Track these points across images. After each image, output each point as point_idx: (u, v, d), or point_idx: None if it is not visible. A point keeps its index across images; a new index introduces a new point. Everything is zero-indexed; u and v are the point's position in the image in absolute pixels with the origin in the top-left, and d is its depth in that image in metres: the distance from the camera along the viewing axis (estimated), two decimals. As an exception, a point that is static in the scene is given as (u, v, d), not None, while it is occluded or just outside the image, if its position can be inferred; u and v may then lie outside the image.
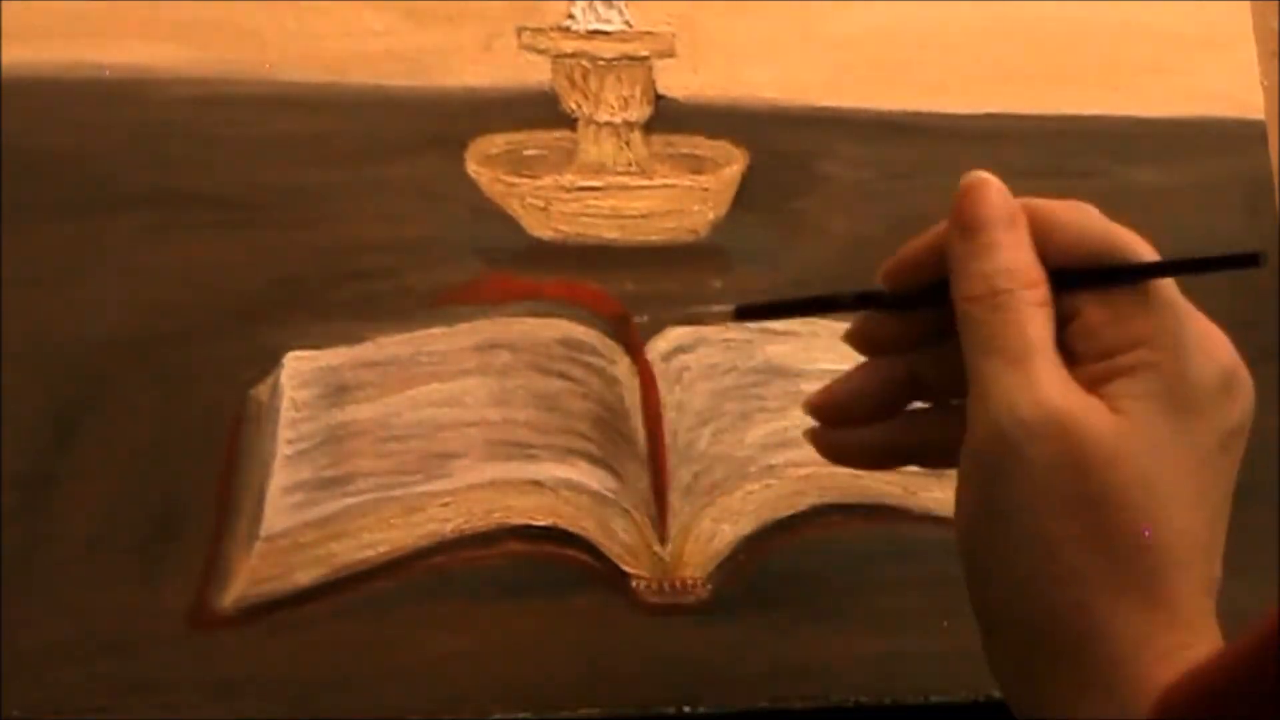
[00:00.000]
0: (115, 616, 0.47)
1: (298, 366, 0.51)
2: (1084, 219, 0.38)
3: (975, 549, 0.36)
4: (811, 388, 0.54)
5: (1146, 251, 0.37)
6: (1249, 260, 0.37)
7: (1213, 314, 0.59)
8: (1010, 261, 0.36)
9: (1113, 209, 0.60)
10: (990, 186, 0.38)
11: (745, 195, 0.57)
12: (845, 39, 0.60)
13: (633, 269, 0.55)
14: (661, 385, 0.53)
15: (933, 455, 0.42)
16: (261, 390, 0.51)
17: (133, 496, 0.48)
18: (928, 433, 0.41)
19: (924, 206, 0.58)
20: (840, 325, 0.55)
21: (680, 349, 0.54)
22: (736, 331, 0.55)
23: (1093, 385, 0.35)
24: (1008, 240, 0.37)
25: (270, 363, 0.51)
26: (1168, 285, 0.37)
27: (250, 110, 0.54)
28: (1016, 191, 0.59)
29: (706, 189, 0.57)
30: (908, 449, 0.42)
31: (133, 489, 0.48)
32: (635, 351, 0.54)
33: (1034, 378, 0.34)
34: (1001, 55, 0.61)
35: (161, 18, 0.55)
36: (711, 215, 0.56)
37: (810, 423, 0.43)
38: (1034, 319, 0.35)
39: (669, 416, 0.53)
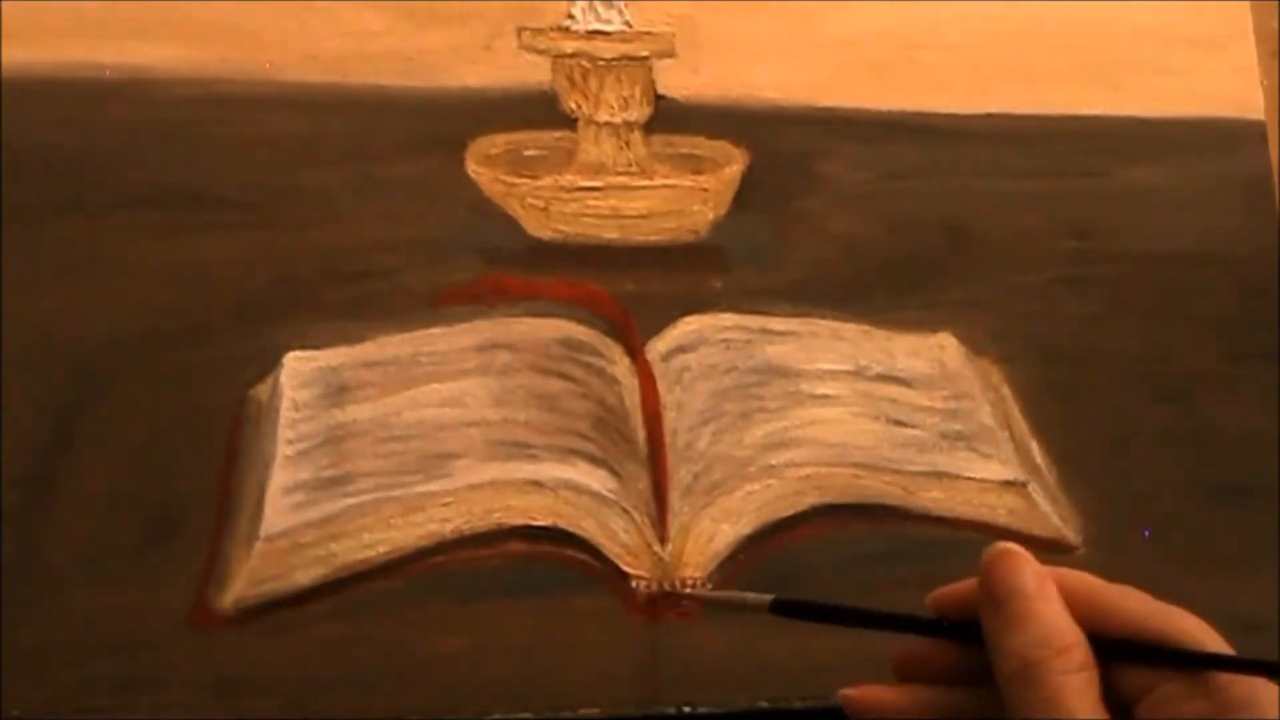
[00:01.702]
0: (115, 616, 0.47)
1: (298, 366, 0.51)
2: (1135, 602, 0.37)
3: None
4: (811, 388, 0.54)
5: (1202, 633, 0.36)
6: None
7: (1213, 315, 0.60)
8: (1041, 630, 0.36)
9: (1113, 209, 0.60)
10: (1017, 556, 0.38)
11: (745, 195, 0.57)
12: (845, 39, 0.60)
13: (633, 269, 0.55)
14: (661, 385, 0.53)
15: None
16: (261, 390, 0.51)
17: (133, 496, 0.48)
18: None
19: (924, 206, 0.58)
20: (840, 325, 0.56)
21: (680, 349, 0.54)
22: (736, 332, 0.55)
23: None
24: (1037, 608, 0.36)
25: (270, 363, 0.51)
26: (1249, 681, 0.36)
27: (250, 110, 0.54)
28: (1016, 190, 0.60)
29: (706, 189, 0.57)
30: None
31: (133, 489, 0.48)
32: (635, 351, 0.54)
33: None
34: (1001, 55, 0.61)
35: (161, 18, 0.55)
36: (711, 215, 0.57)
37: None
38: (1073, 689, 0.35)
39: (669, 416, 0.53)
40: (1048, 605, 0.36)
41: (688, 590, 0.49)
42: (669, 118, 0.57)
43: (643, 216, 0.56)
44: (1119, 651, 0.36)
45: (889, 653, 0.40)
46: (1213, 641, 0.36)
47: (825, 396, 0.54)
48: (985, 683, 0.38)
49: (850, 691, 0.40)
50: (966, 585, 0.39)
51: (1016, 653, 0.36)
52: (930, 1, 0.61)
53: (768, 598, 0.42)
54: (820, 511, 0.52)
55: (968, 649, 0.38)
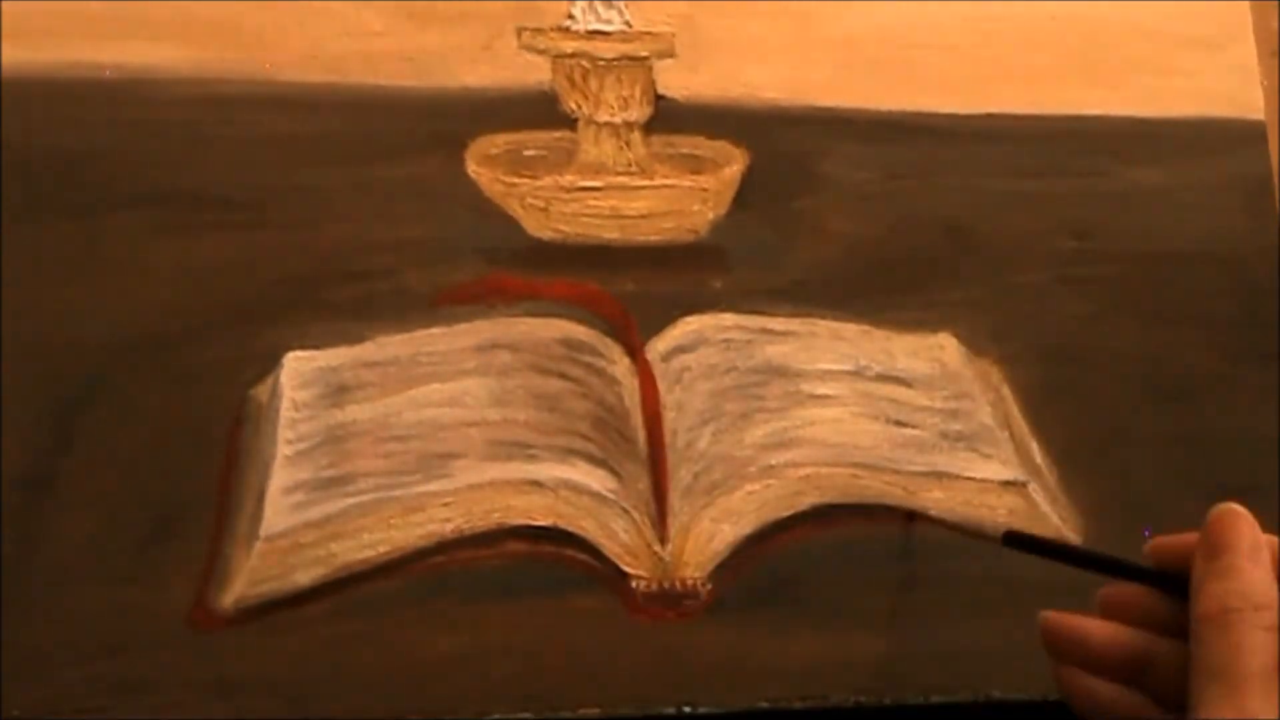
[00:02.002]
0: (115, 616, 0.47)
1: (298, 366, 0.51)
2: None
3: None
4: (811, 388, 0.54)
5: None
6: None
7: (1213, 315, 0.60)
8: (1245, 585, 0.38)
9: (1113, 209, 0.60)
10: (1240, 517, 0.40)
11: (745, 195, 0.57)
12: (845, 39, 0.60)
13: (633, 269, 0.55)
14: (661, 385, 0.53)
15: None
16: (261, 390, 0.51)
17: (133, 496, 0.48)
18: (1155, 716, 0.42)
19: (924, 206, 0.58)
20: (840, 325, 0.56)
21: (680, 349, 0.54)
22: (736, 332, 0.55)
23: None
24: (1247, 565, 0.39)
25: (270, 363, 0.51)
26: None
27: (250, 110, 0.54)
28: (1016, 190, 0.60)
29: (706, 189, 0.57)
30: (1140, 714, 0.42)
31: (133, 489, 0.48)
32: (635, 351, 0.54)
33: (1246, 704, 0.36)
34: (1001, 55, 0.61)
35: (161, 18, 0.55)
36: (711, 215, 0.57)
37: None
38: (1258, 644, 0.37)
39: (669, 416, 0.53)
40: (1256, 565, 0.39)
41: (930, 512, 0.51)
42: (669, 118, 0.57)
43: (643, 216, 0.56)
44: None
45: (1100, 590, 0.43)
46: None
47: (825, 396, 0.54)
48: (1177, 634, 0.40)
49: (1050, 613, 0.42)
50: (1183, 539, 0.42)
51: (1217, 597, 0.38)
52: (930, 1, 0.61)
53: (1002, 527, 0.47)
54: (820, 511, 0.52)
55: (1170, 599, 0.41)
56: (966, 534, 0.51)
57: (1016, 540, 0.47)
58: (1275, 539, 0.40)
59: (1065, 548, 0.49)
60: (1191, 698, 0.37)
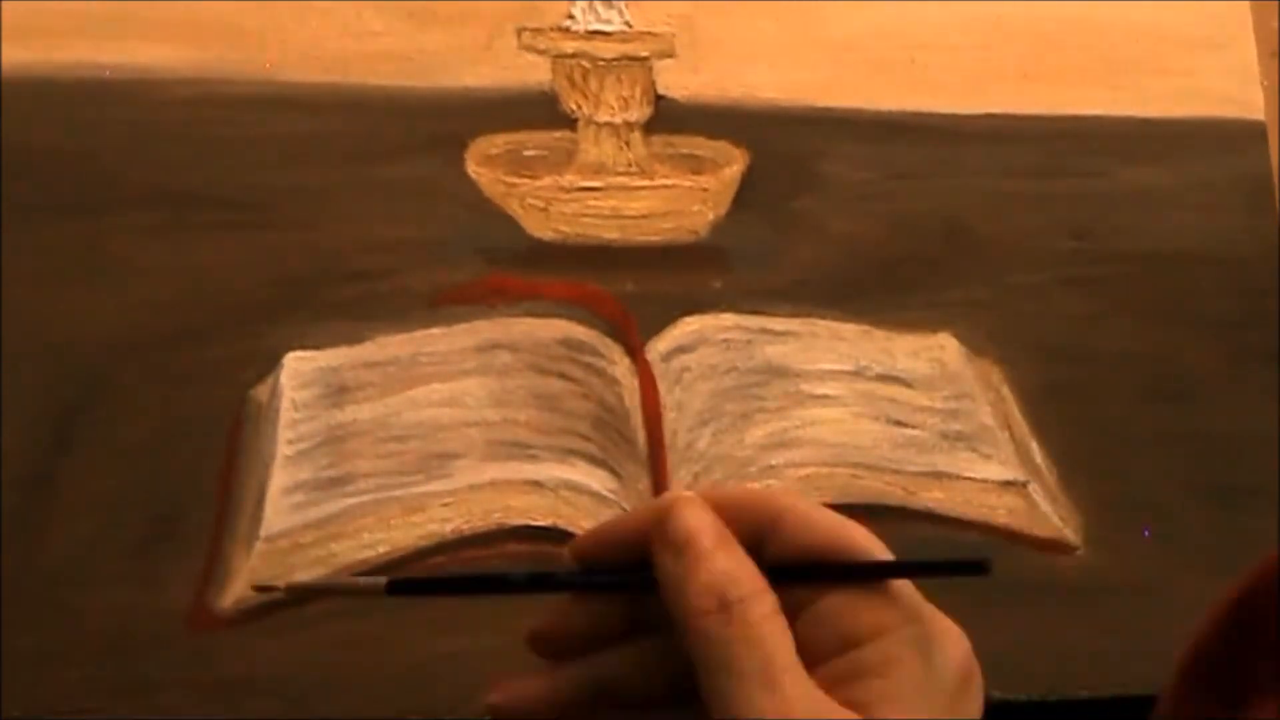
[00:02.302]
0: (115, 617, 0.47)
1: (298, 366, 0.51)
2: (804, 510, 0.36)
3: None
4: (811, 388, 0.54)
5: (873, 545, 0.36)
6: (976, 568, 0.37)
7: (1213, 314, 0.60)
8: (732, 569, 0.35)
9: (1113, 209, 0.60)
10: (690, 502, 0.36)
11: (745, 195, 0.57)
12: (845, 39, 0.60)
13: (633, 269, 0.55)
14: (661, 385, 0.53)
15: None
16: (261, 390, 0.51)
17: (133, 496, 0.48)
18: None
19: (924, 206, 0.58)
20: (840, 325, 0.56)
21: (680, 349, 0.54)
22: (736, 332, 0.55)
23: (837, 685, 0.34)
24: (722, 549, 0.35)
25: (270, 363, 0.51)
26: (905, 582, 0.36)
27: (250, 110, 0.54)
28: (1016, 190, 0.60)
29: (706, 189, 0.57)
30: None
31: (133, 489, 0.48)
32: (635, 352, 0.54)
33: (784, 696, 0.33)
34: (1001, 55, 0.61)
35: (161, 18, 0.55)
36: (711, 215, 0.56)
37: None
38: (771, 631, 0.34)
39: (669, 416, 0.53)
40: (731, 550, 0.35)
41: (282, 585, 0.47)
42: (669, 118, 0.57)
43: (643, 216, 0.56)
44: (785, 575, 0.35)
45: (526, 634, 0.38)
46: (879, 550, 0.36)
47: (825, 396, 0.54)
48: (633, 635, 0.37)
49: (495, 697, 0.38)
50: (607, 529, 0.38)
51: (711, 589, 0.34)
52: (930, 1, 0.61)
53: (382, 581, 0.37)
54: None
55: (607, 602, 0.37)
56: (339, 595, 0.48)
57: (401, 587, 0.38)
58: (709, 495, 0.36)
59: (457, 579, 0.42)
60: (709, 697, 0.34)
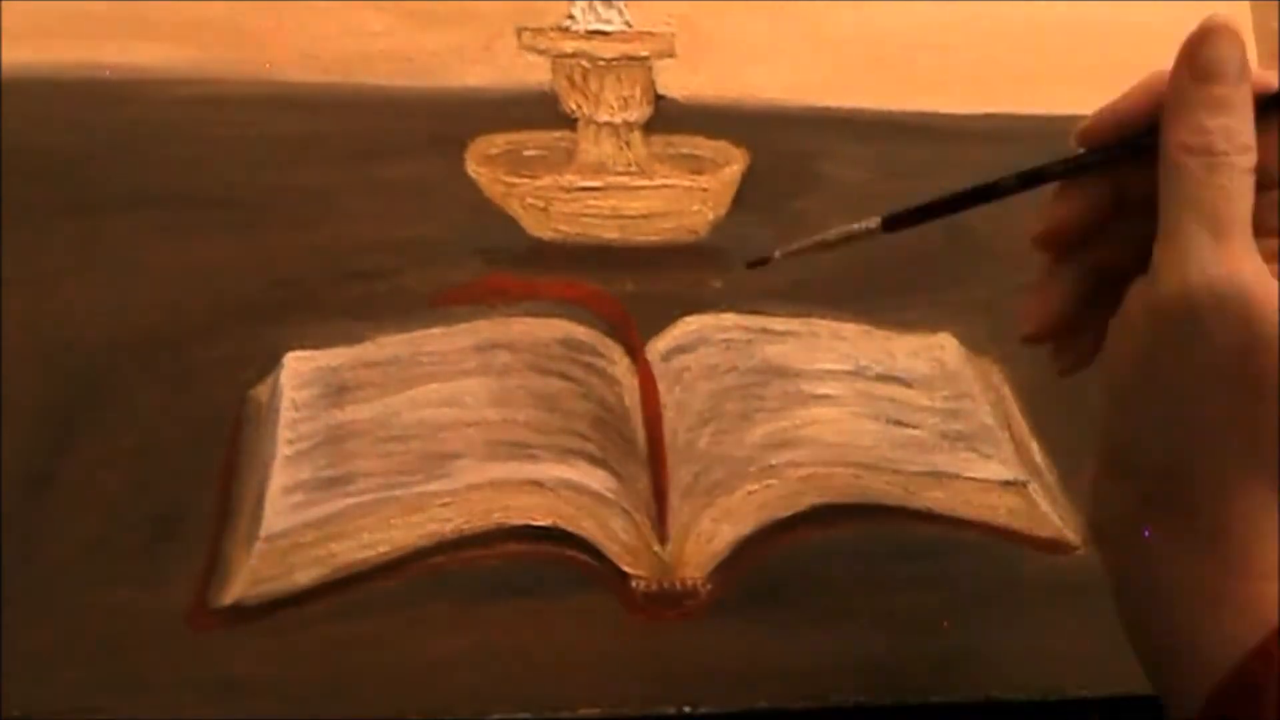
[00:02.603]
0: (115, 616, 0.47)
1: (298, 366, 0.51)
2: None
3: (1126, 399, 0.36)
4: (811, 388, 0.54)
5: None
6: None
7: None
8: (1235, 123, 0.35)
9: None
10: (1234, 35, 0.37)
11: (745, 195, 0.57)
12: (845, 39, 0.60)
13: (633, 269, 0.55)
14: (661, 385, 0.53)
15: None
16: (261, 390, 0.51)
17: (133, 496, 0.48)
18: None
19: (924, 206, 0.58)
20: (840, 325, 0.56)
21: (680, 349, 0.54)
22: (736, 332, 0.55)
23: (1269, 260, 0.34)
24: (1238, 98, 0.36)
25: (270, 363, 0.51)
26: None
27: (250, 110, 0.54)
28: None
29: (706, 189, 0.57)
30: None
31: (133, 489, 0.48)
32: (635, 351, 0.54)
33: (1232, 251, 0.34)
34: (1001, 55, 0.61)
35: (161, 18, 0.55)
36: (711, 215, 0.57)
37: None
38: (1242, 190, 0.35)
39: (669, 416, 0.53)
40: (1245, 100, 0.36)
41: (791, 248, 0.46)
42: (669, 118, 0.57)
43: (643, 216, 0.56)
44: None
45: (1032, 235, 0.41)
46: None
47: (825, 396, 0.54)
48: (1123, 216, 0.38)
49: (1028, 328, 0.41)
50: (1124, 99, 0.40)
51: (1206, 130, 0.35)
52: (930, 1, 0.61)
53: (876, 219, 0.43)
54: (820, 511, 0.52)
55: (1096, 188, 0.39)
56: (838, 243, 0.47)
57: (897, 220, 0.43)
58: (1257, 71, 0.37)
59: (949, 199, 0.44)
60: (1165, 227, 0.35)
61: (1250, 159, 0.35)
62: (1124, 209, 0.39)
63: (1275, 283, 0.34)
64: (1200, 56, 0.37)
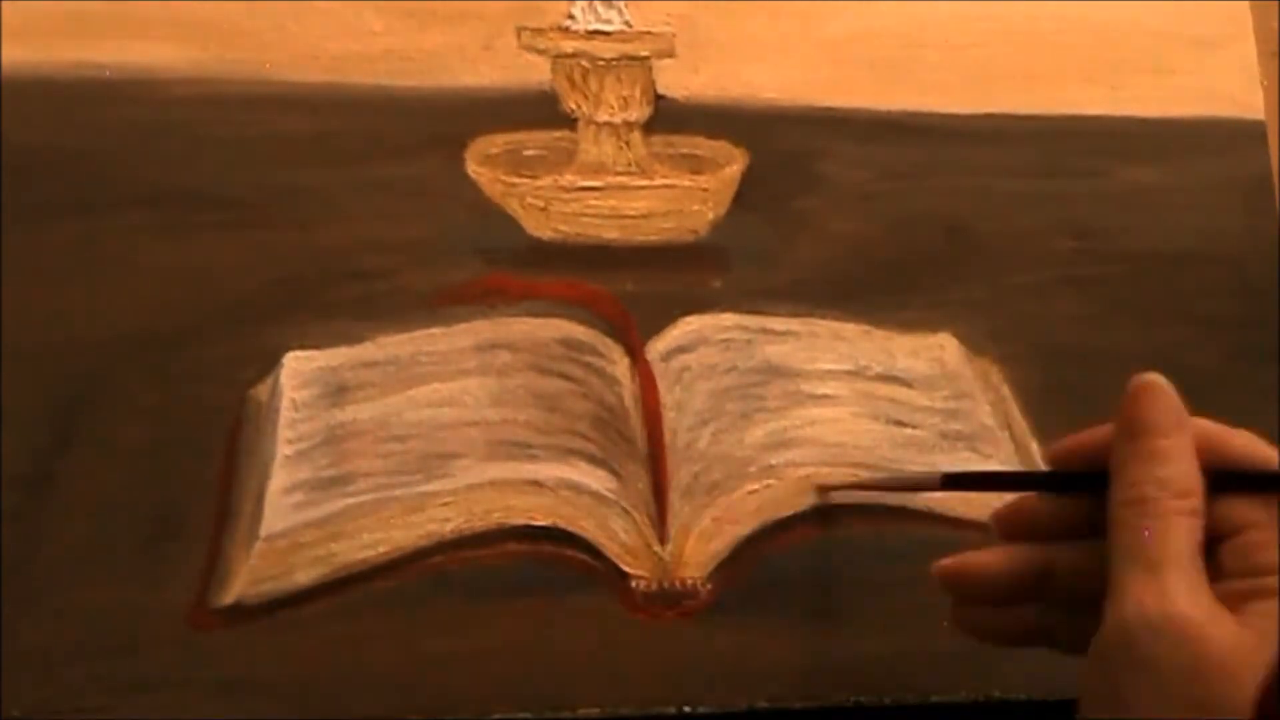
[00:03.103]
0: (115, 616, 0.47)
1: (298, 366, 0.51)
2: (1254, 446, 0.39)
3: None
4: (811, 388, 0.54)
5: None
6: None
7: (1213, 315, 0.60)
8: (1167, 471, 0.38)
9: (1113, 209, 0.60)
10: (1160, 391, 0.39)
11: (745, 195, 0.57)
12: (845, 39, 0.60)
13: (633, 269, 0.55)
14: (661, 385, 0.53)
15: (1063, 643, 0.42)
16: (261, 390, 0.51)
17: (133, 496, 0.48)
18: (1057, 623, 0.42)
19: (924, 206, 0.58)
20: (840, 325, 0.56)
21: (680, 349, 0.54)
22: (736, 332, 0.55)
23: (1232, 600, 0.36)
24: (1169, 447, 0.38)
25: (270, 363, 0.51)
26: None
27: (250, 110, 0.54)
28: (1016, 190, 0.60)
29: (706, 189, 0.57)
30: (1040, 633, 0.43)
31: (133, 489, 0.48)
32: (635, 351, 0.54)
33: (1166, 585, 0.36)
34: (1001, 55, 0.61)
35: (161, 18, 0.55)
36: (711, 215, 0.56)
37: None
38: (1177, 528, 0.37)
39: (669, 416, 0.53)
40: (1180, 448, 0.38)
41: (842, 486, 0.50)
42: (669, 118, 0.57)
43: (643, 216, 0.56)
44: (1226, 483, 0.38)
45: (995, 511, 0.43)
46: None
47: (825, 396, 0.54)
48: (1087, 535, 0.40)
49: (946, 562, 0.42)
50: (1088, 435, 0.41)
51: (1138, 484, 0.37)
52: (930, 1, 0.61)
53: (937, 474, 0.46)
54: (820, 511, 0.52)
55: (1074, 502, 0.41)
56: (906, 488, 0.51)
57: (956, 481, 0.46)
58: (1199, 421, 0.39)
59: (1004, 475, 0.48)
60: (1111, 584, 0.37)
61: (1191, 502, 0.37)
62: (1098, 531, 0.40)
63: (1213, 608, 0.36)
64: (1131, 416, 0.39)
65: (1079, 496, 0.41)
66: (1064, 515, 0.42)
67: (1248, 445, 0.39)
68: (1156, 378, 0.39)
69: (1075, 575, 0.41)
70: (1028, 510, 0.43)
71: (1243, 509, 0.38)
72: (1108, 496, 0.38)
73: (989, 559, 0.42)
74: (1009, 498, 0.44)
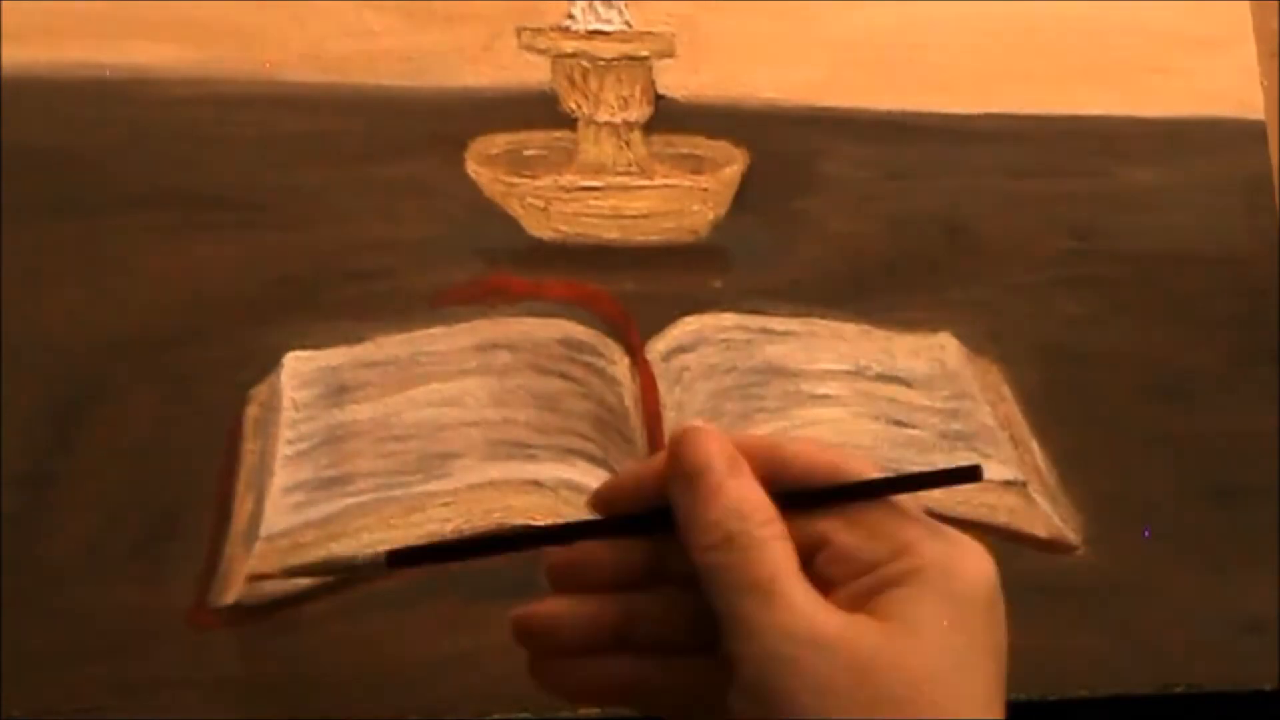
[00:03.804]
0: (115, 616, 0.47)
1: (298, 366, 0.51)
2: (809, 450, 0.37)
3: None
4: (811, 388, 0.54)
5: (873, 472, 0.37)
6: (969, 474, 0.37)
7: (1213, 315, 0.60)
8: (738, 502, 0.36)
9: (1113, 209, 0.60)
10: (705, 433, 0.37)
11: (745, 195, 0.57)
12: (845, 39, 0.60)
13: (633, 269, 0.55)
14: (661, 385, 0.53)
15: (662, 700, 0.39)
16: (261, 390, 0.51)
17: (133, 496, 0.48)
18: (655, 679, 0.38)
19: (924, 206, 0.58)
20: (840, 325, 0.56)
21: (680, 349, 0.54)
22: (736, 332, 0.55)
23: (856, 603, 0.34)
24: (732, 482, 0.36)
25: (270, 363, 0.51)
26: (914, 504, 0.37)
27: (250, 110, 0.54)
28: (1016, 190, 0.60)
29: (706, 189, 0.57)
30: (632, 688, 0.39)
31: (133, 489, 0.48)
32: (635, 351, 0.54)
33: (791, 601, 0.34)
34: (1001, 55, 0.61)
35: (161, 18, 0.54)
36: (711, 215, 0.56)
37: None
38: (774, 551, 0.35)
39: (669, 416, 0.53)
40: (743, 479, 0.36)
41: (278, 570, 0.46)
42: (669, 118, 0.57)
43: (643, 216, 0.56)
44: (798, 501, 0.36)
45: (545, 566, 0.39)
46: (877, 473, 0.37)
47: (825, 396, 0.54)
48: (655, 581, 0.38)
49: (518, 610, 0.38)
50: (627, 476, 0.39)
51: (718, 524, 0.35)
52: (930, 1, 0.61)
53: (382, 553, 0.38)
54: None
55: (628, 548, 0.38)
56: (344, 571, 0.47)
57: (401, 557, 0.39)
58: (746, 439, 0.37)
59: (455, 544, 0.43)
60: (725, 621, 0.34)
61: (777, 527, 0.35)
62: (659, 577, 0.38)
63: (838, 612, 0.34)
64: (683, 462, 0.37)
65: (639, 539, 0.38)
66: (629, 560, 0.38)
67: (806, 458, 0.37)
68: (699, 422, 0.38)
69: (656, 623, 0.38)
70: (591, 561, 0.39)
71: (818, 524, 0.36)
72: (671, 538, 0.36)
73: (560, 608, 0.38)
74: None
